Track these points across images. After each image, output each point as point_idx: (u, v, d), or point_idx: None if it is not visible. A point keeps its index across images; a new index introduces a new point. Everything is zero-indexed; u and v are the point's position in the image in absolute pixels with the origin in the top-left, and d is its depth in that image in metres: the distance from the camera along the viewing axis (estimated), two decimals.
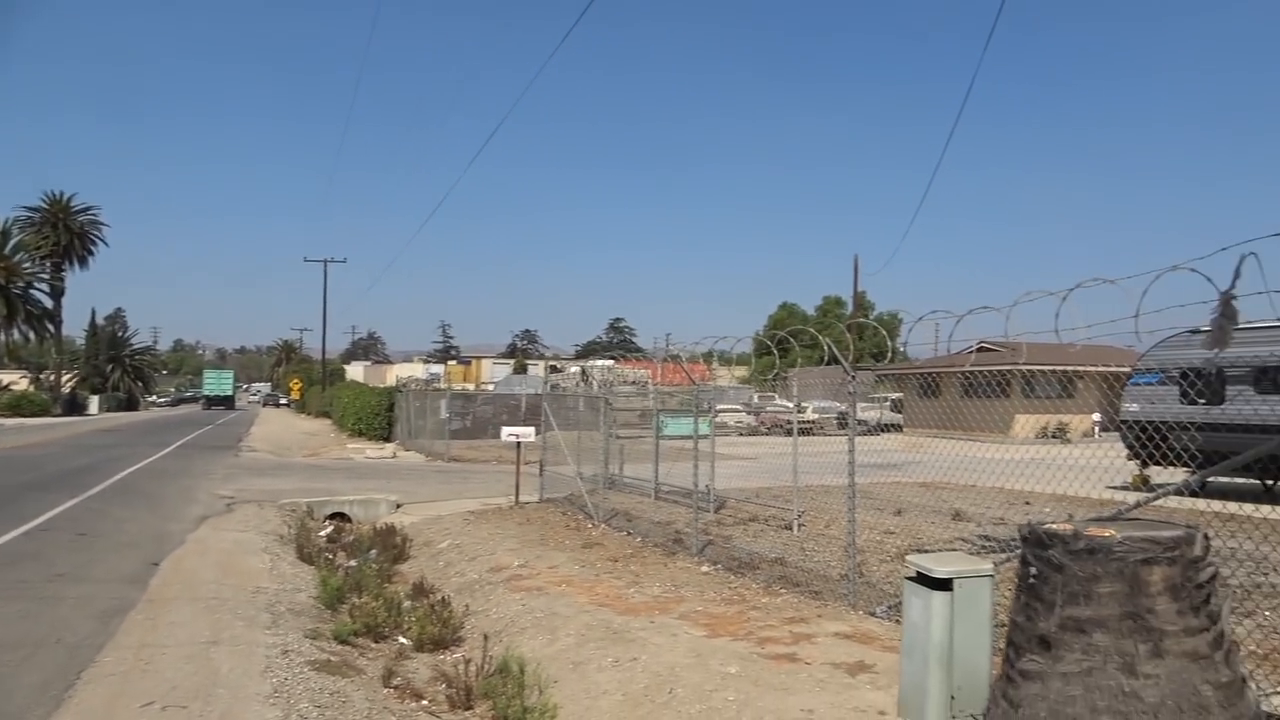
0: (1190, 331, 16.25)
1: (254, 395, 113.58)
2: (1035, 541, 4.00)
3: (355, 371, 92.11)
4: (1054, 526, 4.01)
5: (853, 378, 8.65)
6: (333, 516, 14.93)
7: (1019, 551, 4.87)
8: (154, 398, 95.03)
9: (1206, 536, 3.79)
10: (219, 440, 34.29)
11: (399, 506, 15.64)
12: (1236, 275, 4.63)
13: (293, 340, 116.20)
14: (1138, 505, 5.32)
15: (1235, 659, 3.69)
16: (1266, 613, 6.82)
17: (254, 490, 17.05)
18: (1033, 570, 3.98)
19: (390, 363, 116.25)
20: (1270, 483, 15.37)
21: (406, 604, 8.66)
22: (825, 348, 9.76)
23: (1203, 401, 15.43)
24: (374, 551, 11.47)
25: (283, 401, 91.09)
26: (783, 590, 8.22)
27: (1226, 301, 4.89)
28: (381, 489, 17.50)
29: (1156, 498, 5.27)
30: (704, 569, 9.46)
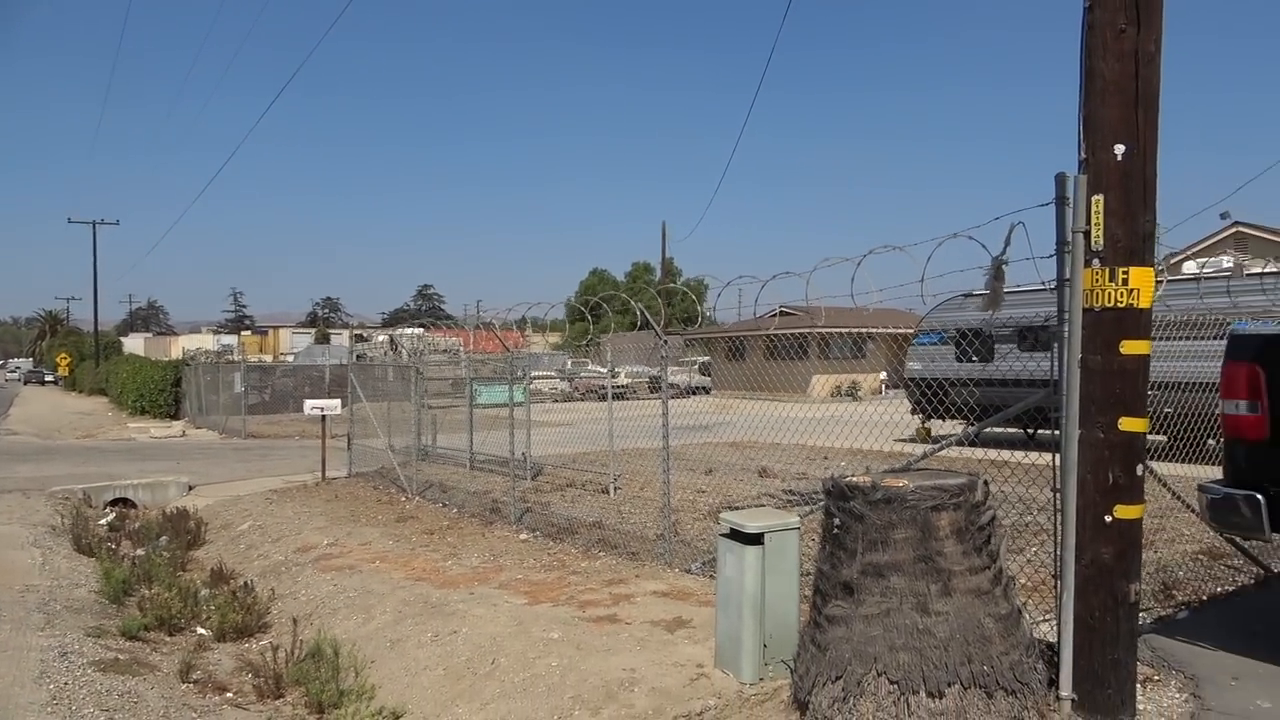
0: (964, 295, 17.81)
1: (12, 372, 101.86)
2: (838, 494, 4.27)
3: (135, 344, 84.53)
4: (854, 479, 4.29)
5: (664, 342, 8.84)
6: (115, 503, 13.70)
7: (823, 504, 5.17)
8: None
9: (986, 483, 4.18)
10: None
11: (191, 489, 14.56)
12: (1007, 243, 5.06)
13: (58, 311, 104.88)
14: (924, 456, 5.79)
15: (1012, 593, 4.11)
16: (1034, 549, 7.62)
17: (17, 479, 15.34)
18: (836, 521, 4.25)
19: (175, 334, 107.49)
20: (1032, 431, 17.18)
21: (204, 592, 8.10)
22: (637, 313, 9.94)
23: (976, 359, 16.98)
24: (164, 538, 10.63)
25: (49, 378, 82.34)
26: (602, 553, 8.36)
27: (998, 267, 5.35)
28: (171, 470, 16.22)
29: (940, 448, 5.74)
30: (523, 537, 9.45)
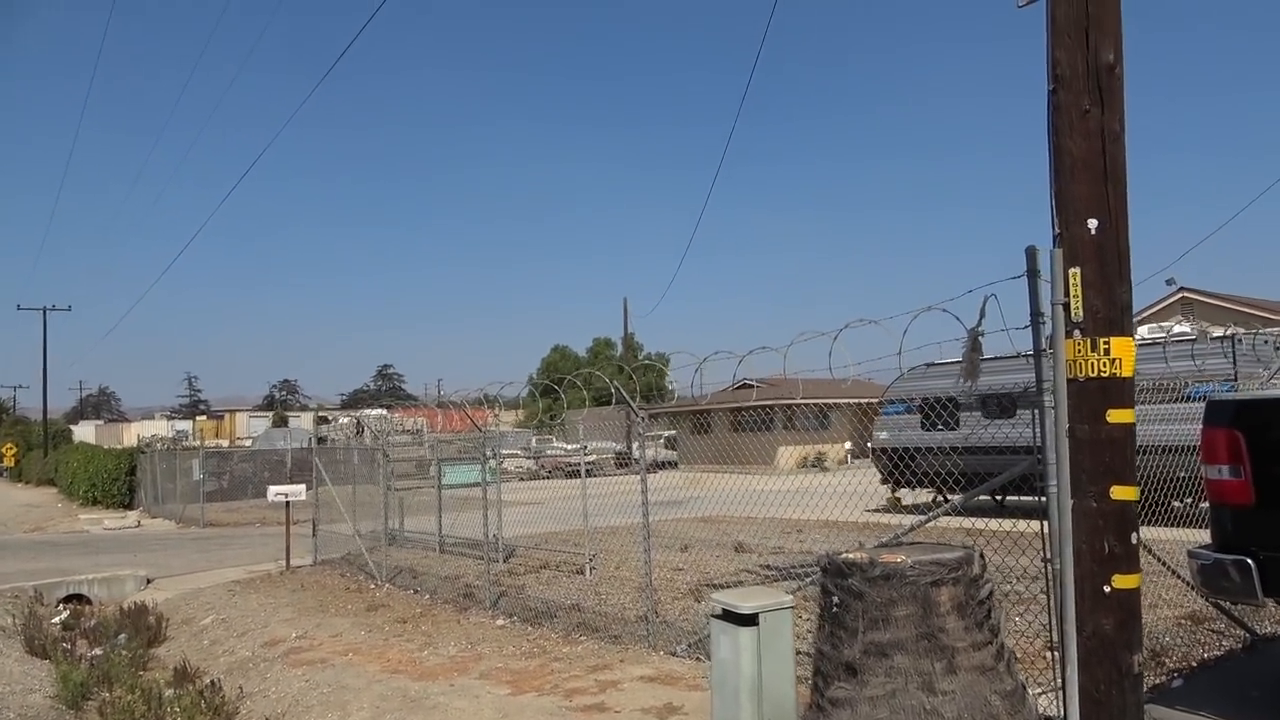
0: (926, 365, 18.14)
1: None
2: (835, 571, 4.22)
3: (85, 432, 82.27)
4: (851, 555, 4.26)
5: (642, 418, 8.82)
6: (69, 599, 13.11)
7: (809, 580, 5.08)
8: None
9: (983, 555, 4.17)
10: None
11: (150, 582, 14.02)
12: (981, 315, 5.18)
13: (4, 399, 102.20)
14: (912, 529, 5.78)
15: (1015, 667, 4.06)
16: (1016, 618, 7.58)
17: None
18: (835, 599, 4.19)
19: (128, 420, 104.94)
20: (1001, 498, 17.31)
21: (169, 693, 7.72)
22: (611, 389, 9.93)
23: (943, 427, 17.15)
24: (123, 636, 10.18)
25: None
26: (583, 637, 8.15)
27: (974, 338, 5.45)
28: (127, 564, 15.62)
29: (929, 520, 5.74)
30: (499, 622, 9.20)
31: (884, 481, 18.26)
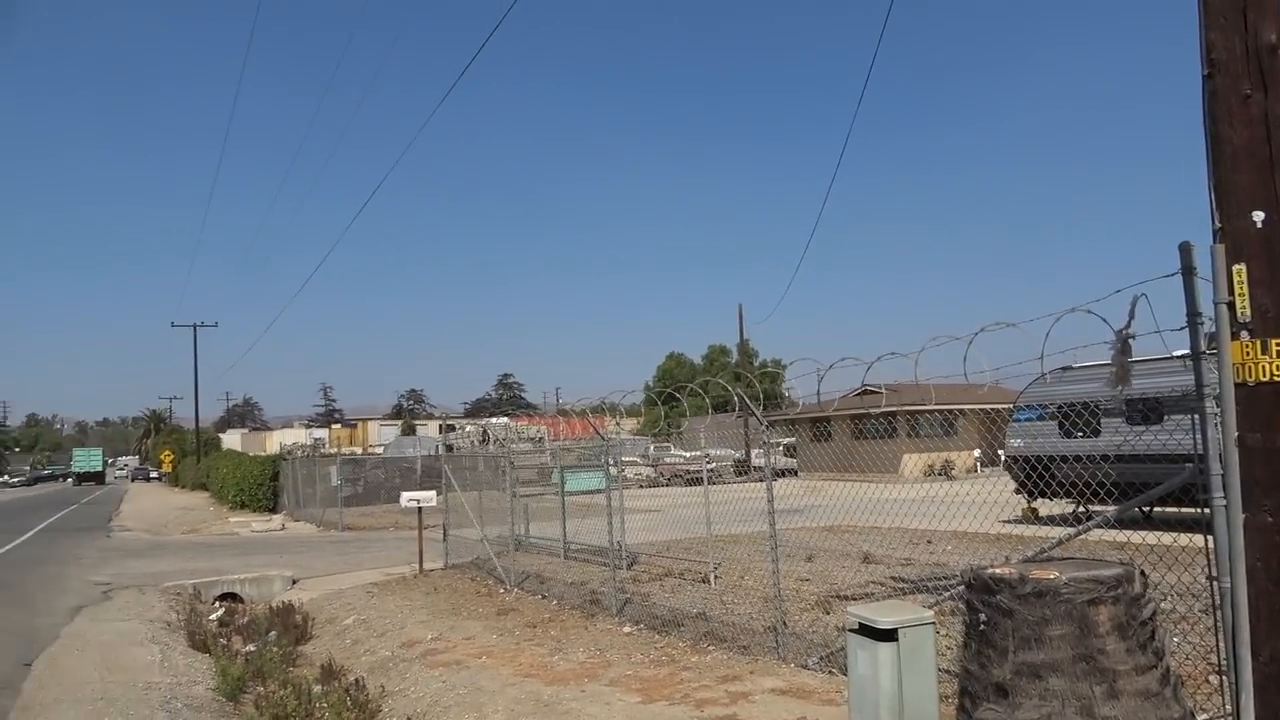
0: (1063, 369, 17.27)
1: (120, 470, 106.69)
2: (981, 587, 4.06)
3: (232, 440, 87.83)
4: (998, 570, 4.08)
5: (766, 427, 8.73)
6: (223, 598, 14.00)
7: (946, 595, 4.90)
8: (6, 478, 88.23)
9: (1144, 573, 3.93)
10: (86, 521, 31.90)
11: (295, 582, 14.81)
12: (1131, 316, 4.90)
13: (161, 410, 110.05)
14: (1059, 543, 5.50)
15: (1182, 693, 3.81)
16: (1175, 639, 7.13)
17: (132, 574, 15.86)
18: (981, 616, 4.03)
19: (269, 429, 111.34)
20: (1148, 509, 16.31)
21: (317, 689, 8.12)
22: (733, 396, 9.88)
23: (1080, 435, 16.30)
24: (273, 633, 10.78)
25: (153, 475, 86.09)
26: (711, 647, 8.12)
27: (1124, 341, 5.16)
28: (274, 564, 16.56)
29: (1082, 531, 5.45)
30: (626, 630, 9.27)
31: (1018, 491, 17.50)
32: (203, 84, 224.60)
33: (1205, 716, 4.74)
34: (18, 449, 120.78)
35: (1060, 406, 16.86)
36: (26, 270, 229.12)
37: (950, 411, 36.76)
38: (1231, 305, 4.06)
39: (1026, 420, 18.23)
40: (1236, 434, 3.98)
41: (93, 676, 8.38)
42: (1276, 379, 3.90)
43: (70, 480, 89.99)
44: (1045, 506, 17.95)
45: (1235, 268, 4.05)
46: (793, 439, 42.57)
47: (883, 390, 14.21)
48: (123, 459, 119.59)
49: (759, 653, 7.69)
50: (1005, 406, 22.77)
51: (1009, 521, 16.60)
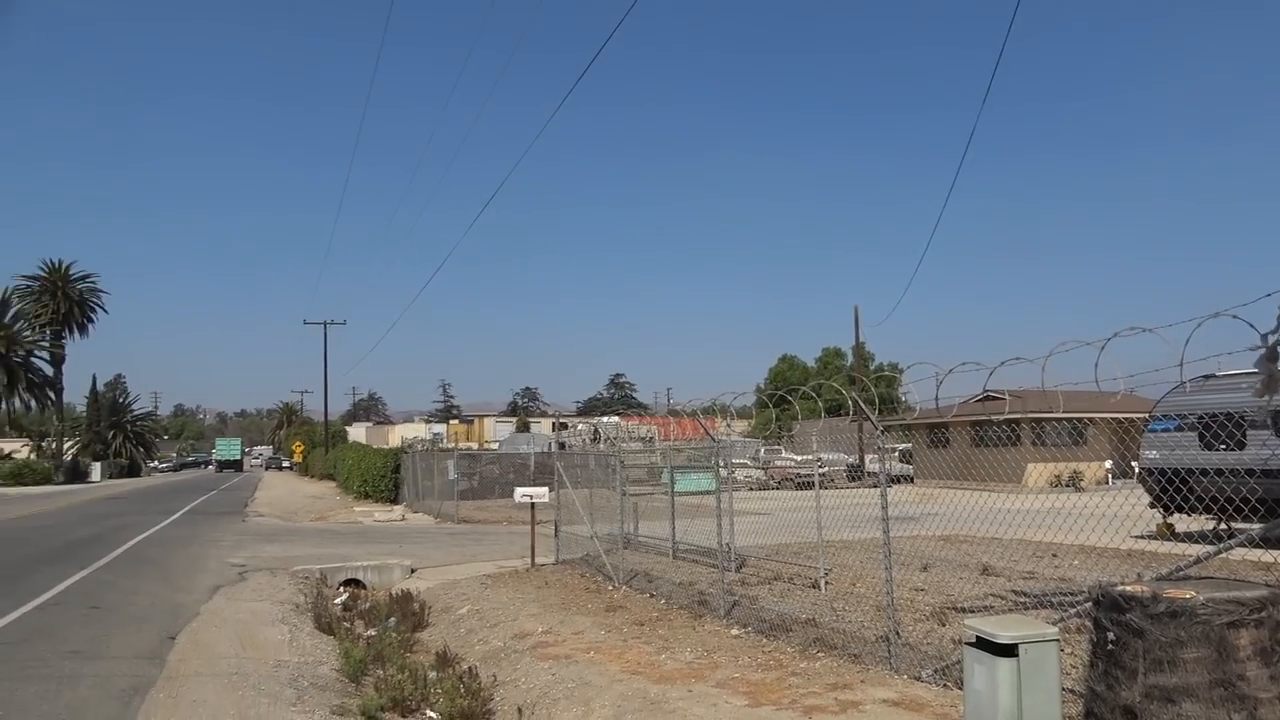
0: (1204, 377, 16.19)
1: (256, 459, 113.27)
2: (1110, 604, 3.87)
3: (357, 433, 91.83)
4: (1129, 588, 3.88)
5: (881, 431, 8.53)
6: (347, 583, 14.67)
7: (1073, 611, 4.66)
8: (156, 463, 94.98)
9: None
10: (224, 506, 33.97)
11: (413, 571, 15.38)
12: None
13: (293, 403, 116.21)
14: (1198, 561, 5.18)
15: None
16: None
17: (265, 557, 16.79)
18: (1110, 635, 3.84)
19: (392, 423, 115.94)
20: None
21: (432, 675, 8.42)
22: (848, 400, 9.70)
23: (1223, 447, 15.27)
24: (393, 619, 11.22)
25: (285, 464, 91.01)
26: (820, 654, 7.99)
27: (1273, 348, 4.82)
28: (394, 553, 17.24)
29: (1222, 550, 5.12)
30: (734, 632, 9.22)
31: (1153, 505, 16.53)
32: (332, 99, 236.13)
33: None
34: (166, 437, 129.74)
35: (1201, 416, 15.84)
36: (176, 270, 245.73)
37: (1080, 420, 35.04)
38: None
39: (1163, 430, 17.19)
40: None
41: (229, 652, 8.92)
42: None
43: (212, 467, 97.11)
44: (1182, 523, 16.90)
45: None
46: (909, 445, 41.46)
47: (1005, 396, 13.64)
48: (258, 449, 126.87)
49: (870, 662, 7.52)
50: (1141, 416, 21.55)
51: (1142, 537, 15.70)
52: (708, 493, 14.60)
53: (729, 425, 16.19)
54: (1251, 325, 4.93)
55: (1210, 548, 5.24)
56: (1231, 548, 5.09)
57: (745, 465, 42.10)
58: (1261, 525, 4.92)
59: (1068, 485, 33.40)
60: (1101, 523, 10.81)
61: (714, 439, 14.35)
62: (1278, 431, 14.91)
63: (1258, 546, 5.34)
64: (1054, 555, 13.55)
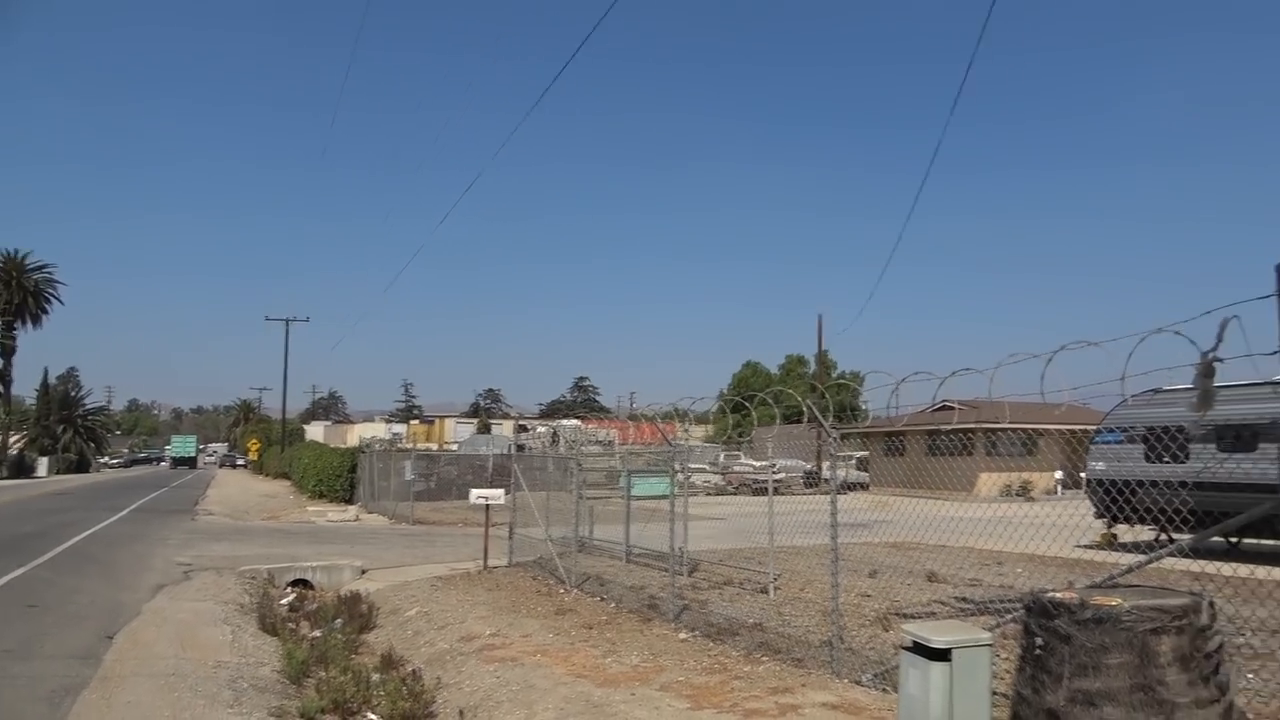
0: (1153, 391, 16.57)
1: (210, 456, 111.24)
2: (1040, 610, 3.93)
3: (315, 431, 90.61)
4: (1058, 595, 3.95)
5: (834, 439, 8.60)
6: (295, 583, 14.45)
7: (1010, 618, 4.74)
8: (106, 459, 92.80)
9: (1213, 604, 3.75)
10: (174, 503, 33.31)
11: (363, 572, 15.19)
12: (1219, 339, 4.69)
13: (252, 400, 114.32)
14: (1130, 570, 5.29)
15: None
16: (1249, 675, 6.78)
17: (212, 556, 16.48)
18: (1038, 640, 3.90)
19: (351, 422, 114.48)
20: (1236, 539, 15.53)
21: (375, 677, 8.32)
22: (804, 408, 9.77)
23: (1169, 459, 15.63)
24: (339, 621, 11.07)
25: (239, 462, 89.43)
26: (764, 658, 8.03)
27: (1209, 364, 4.94)
28: (345, 554, 17.02)
29: (1153, 560, 5.23)
30: (682, 636, 9.24)
31: (1098, 516, 16.87)
32: (304, 99, 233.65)
33: None
34: (119, 432, 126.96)
35: (1147, 430, 16.20)
36: (139, 264, 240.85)
37: (1031, 431, 35.64)
38: None
39: (1110, 442, 17.55)
40: None
41: (168, 653, 8.74)
42: None
43: (165, 464, 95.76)
44: (1127, 533, 17.27)
45: None
46: (865, 453, 41.88)
47: (956, 406, 13.88)
48: (213, 445, 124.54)
49: (813, 666, 7.58)
50: (1092, 428, 21.99)
51: (1087, 546, 16.03)
52: (664, 497, 14.64)
53: (687, 430, 16.22)
54: (1192, 341, 5.05)
55: (1143, 557, 5.36)
56: (1161, 557, 5.21)
57: (704, 470, 42.25)
58: (1192, 536, 5.05)
59: (1018, 495, 33.93)
60: (1047, 532, 11.00)
61: (670, 444, 14.39)
62: (1221, 446, 15.29)
63: (1187, 556, 5.47)
64: (999, 563, 13.77)
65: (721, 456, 47.59)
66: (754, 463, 43.49)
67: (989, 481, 34.40)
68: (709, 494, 38.55)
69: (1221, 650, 3.69)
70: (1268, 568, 10.37)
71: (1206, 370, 4.96)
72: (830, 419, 8.84)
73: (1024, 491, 34.30)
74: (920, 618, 9.11)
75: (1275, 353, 4.44)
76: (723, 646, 8.59)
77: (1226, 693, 3.61)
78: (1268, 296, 4.31)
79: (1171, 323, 5.25)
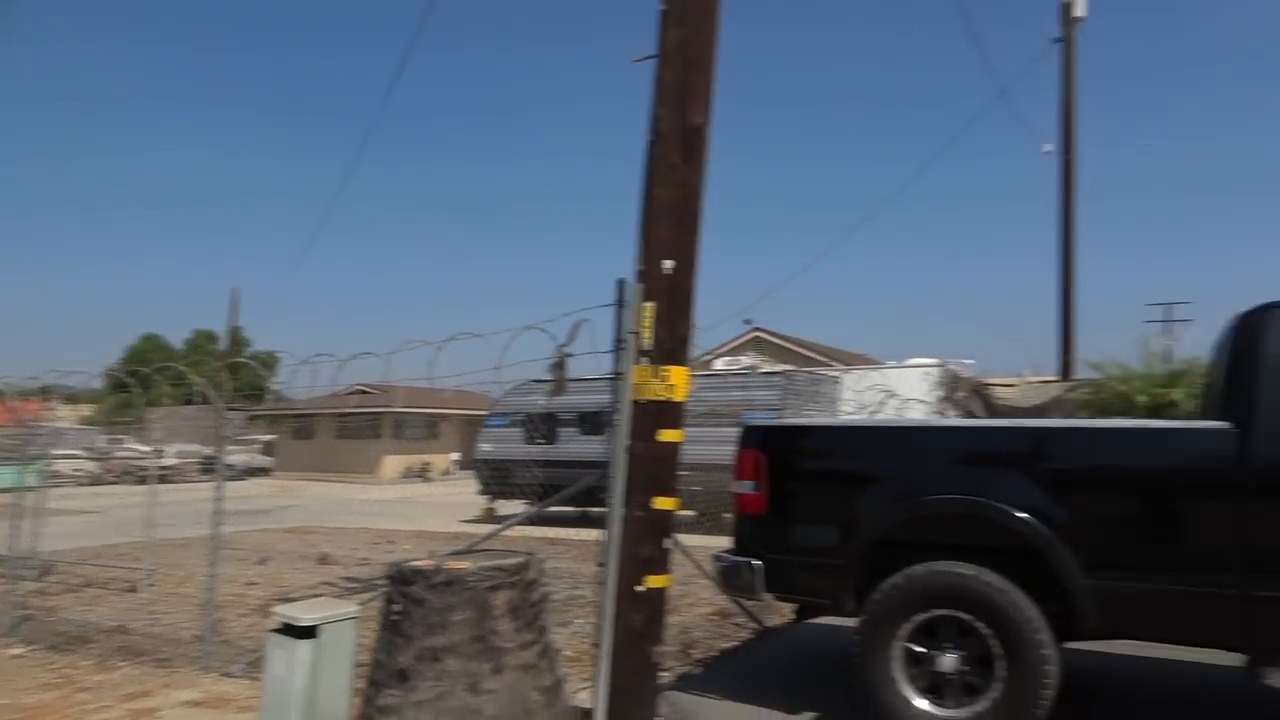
0: (533, 380, 18.88)
1: None
2: (400, 579, 4.21)
3: None
4: (418, 564, 4.27)
5: (230, 420, 8.13)
6: None
7: (381, 591, 4.99)
8: None
9: (541, 560, 4.41)
10: None
11: None
12: (571, 337, 5.54)
13: None
14: (489, 537, 5.95)
15: (556, 664, 4.34)
16: (578, 620, 8.09)
17: None
18: (396, 607, 4.17)
19: None
20: (585, 509, 18.47)
21: None
22: (198, 386, 9.02)
23: (542, 441, 17.92)
24: None
25: None
26: (122, 663, 7.22)
27: (561, 358, 5.79)
28: None
29: (504, 528, 5.95)
30: (15, 652, 7.84)
31: (483, 492, 18.62)
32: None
33: (584, 684, 5.46)
34: None
35: (526, 415, 18.37)
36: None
37: (433, 415, 37.89)
38: (638, 335, 4.77)
39: (497, 426, 19.51)
40: (627, 443, 4.68)
41: None
42: (660, 399, 4.68)
43: None
44: (507, 507, 19.38)
45: (646, 305, 4.76)
46: (272, 436, 40.28)
47: (371, 391, 14.15)
48: None
49: (181, 664, 7.03)
50: (485, 413, 24.19)
51: (469, 521, 17.59)
52: (15, 490, 12.30)
53: (52, 409, 13.82)
54: (554, 338, 5.85)
55: (499, 526, 6.07)
56: (510, 525, 5.98)
57: (77, 456, 36.39)
58: (535, 507, 5.86)
59: (418, 476, 35.82)
60: (440, 510, 11.74)
61: (25, 425, 12.12)
62: (583, 429, 17.98)
63: (536, 524, 6.35)
64: (390, 542, 14.38)
65: (103, 440, 41.51)
66: (142, 447, 38.81)
67: (393, 463, 35.69)
68: (82, 484, 33.31)
69: (544, 600, 4.37)
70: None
71: (559, 362, 5.82)
72: (228, 396, 8.35)
73: (424, 473, 36.28)
74: (307, 601, 9.08)
75: (609, 351, 5.35)
76: (71, 657, 7.50)
77: (544, 634, 4.28)
78: (609, 305, 5.18)
79: (539, 320, 6.06)
